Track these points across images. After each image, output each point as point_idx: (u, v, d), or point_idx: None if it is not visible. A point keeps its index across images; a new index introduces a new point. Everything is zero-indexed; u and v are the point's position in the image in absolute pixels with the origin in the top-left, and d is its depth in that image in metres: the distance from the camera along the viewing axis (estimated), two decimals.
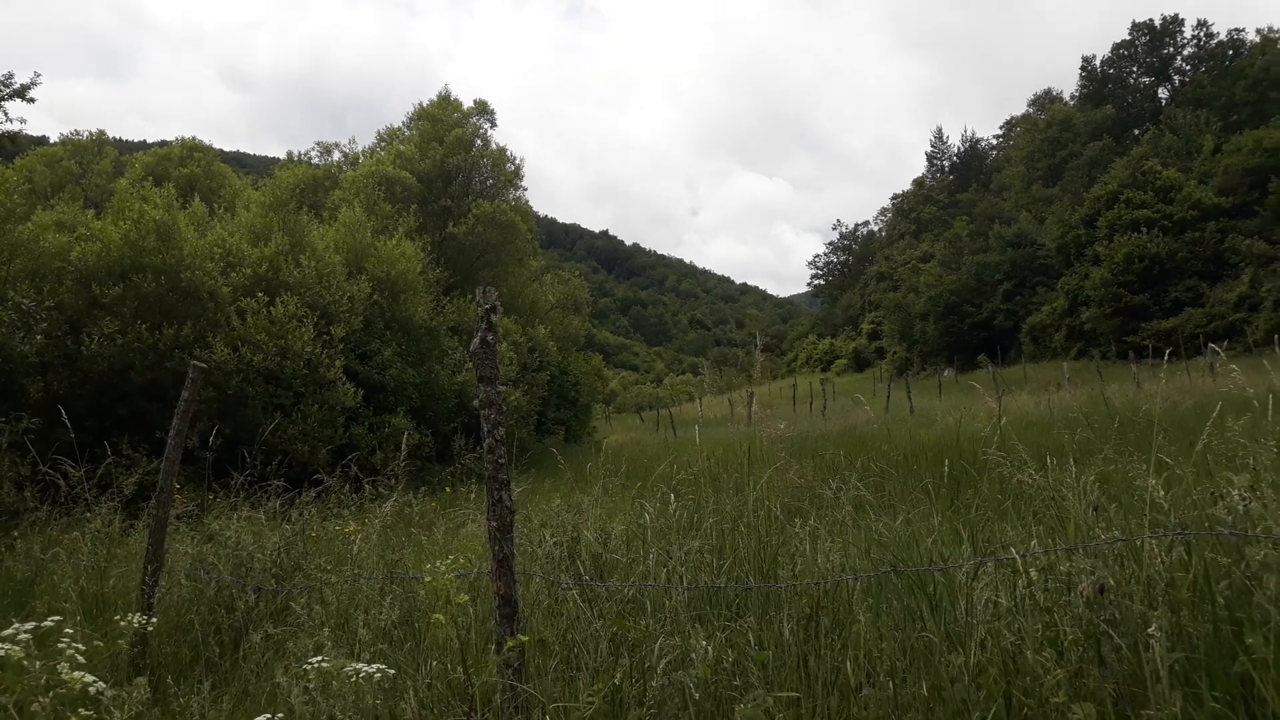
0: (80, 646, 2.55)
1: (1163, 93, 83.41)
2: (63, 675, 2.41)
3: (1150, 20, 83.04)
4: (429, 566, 3.40)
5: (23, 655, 2.37)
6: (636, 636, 3.73)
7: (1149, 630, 2.66)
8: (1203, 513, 3.33)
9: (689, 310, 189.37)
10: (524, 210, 33.52)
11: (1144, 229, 51.62)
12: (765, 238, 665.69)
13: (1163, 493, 3.48)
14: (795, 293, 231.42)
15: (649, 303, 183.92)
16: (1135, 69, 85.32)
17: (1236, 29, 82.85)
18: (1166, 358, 5.26)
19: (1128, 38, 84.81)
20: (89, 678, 2.45)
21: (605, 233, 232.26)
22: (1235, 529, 3.02)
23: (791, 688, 3.32)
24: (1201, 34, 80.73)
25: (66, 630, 2.63)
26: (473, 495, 7.30)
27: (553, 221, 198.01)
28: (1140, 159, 59.40)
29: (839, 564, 4.19)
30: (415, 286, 22.03)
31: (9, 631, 2.47)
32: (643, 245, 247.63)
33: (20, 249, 15.38)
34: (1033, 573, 3.28)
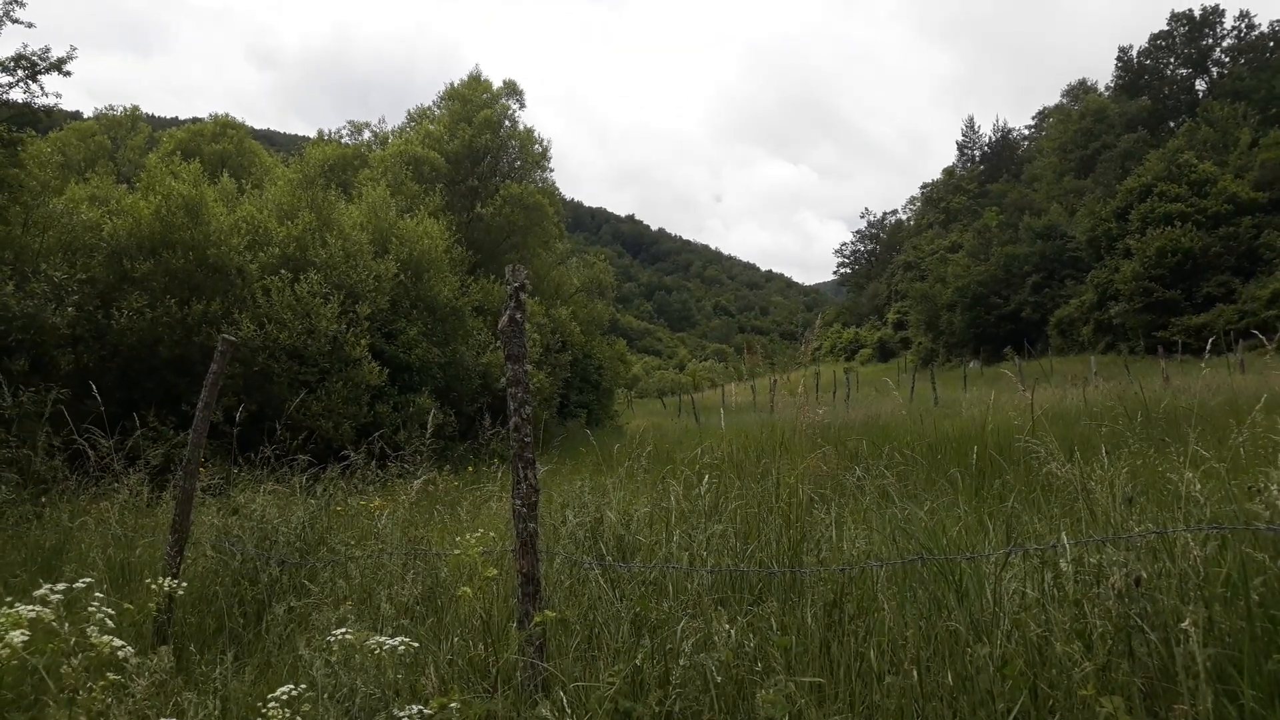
0: (110, 611, 2.57)
1: (1200, 85, 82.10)
2: (92, 639, 2.43)
3: (1190, 11, 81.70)
4: (459, 539, 3.40)
5: (53, 618, 2.39)
6: (659, 618, 3.72)
7: (1182, 625, 2.61)
8: (1239, 507, 3.27)
9: (713, 296, 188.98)
10: (551, 192, 33.46)
11: (1177, 223, 50.93)
12: (788, 224, 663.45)
13: (1198, 486, 3.42)
14: (821, 281, 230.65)
15: (673, 288, 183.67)
16: (1173, 60, 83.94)
17: (1279, 20, 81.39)
18: (1207, 350, 5.17)
19: (1166, 28, 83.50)
20: (117, 642, 2.46)
21: (631, 217, 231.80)
22: (1273, 524, 2.96)
23: (814, 674, 3.29)
24: (1243, 25, 79.38)
25: (97, 595, 2.66)
26: (499, 475, 7.32)
27: (579, 205, 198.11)
28: (1175, 152, 58.49)
29: (864, 551, 4.16)
30: (440, 266, 22.05)
31: (40, 592, 2.49)
32: (668, 230, 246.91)
33: (53, 222, 15.54)
34: (1062, 564, 3.23)
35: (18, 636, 2.28)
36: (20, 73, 13.37)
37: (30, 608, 2.40)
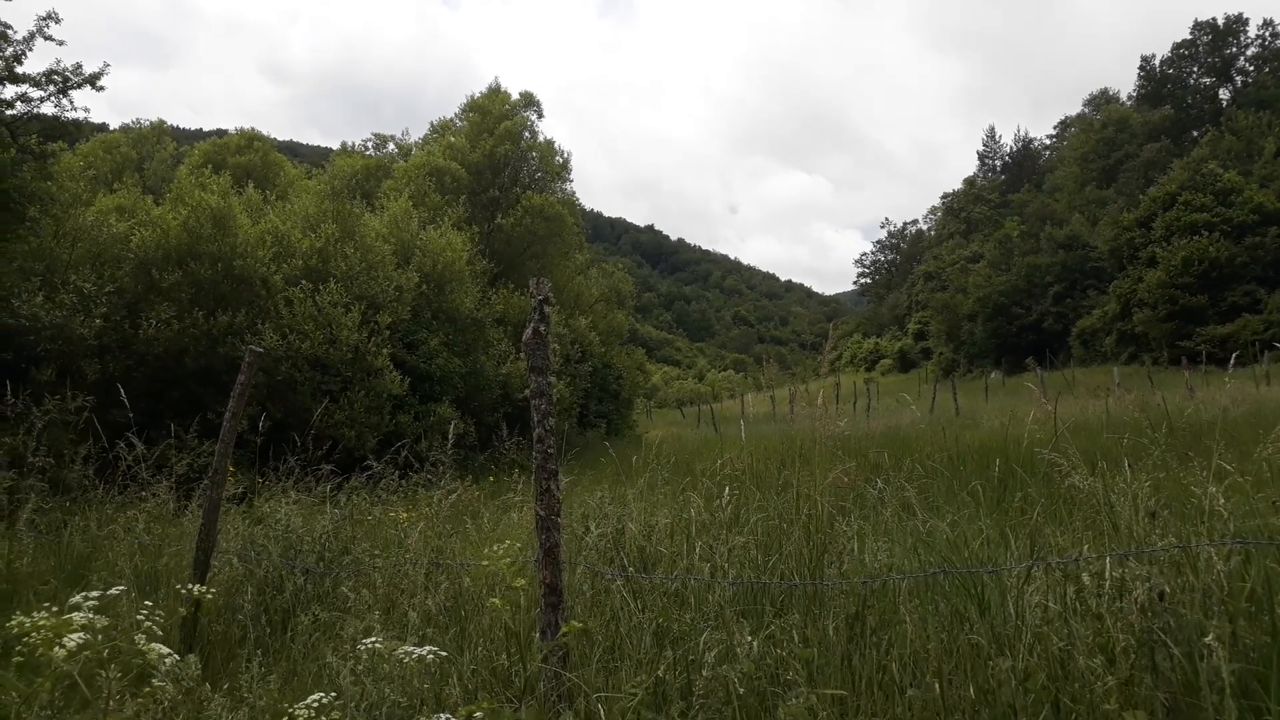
0: (159, 617, 2.62)
1: (1224, 94, 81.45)
2: (139, 646, 2.48)
3: (1213, 19, 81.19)
4: (487, 551, 3.44)
5: (105, 624, 2.44)
6: (681, 630, 3.74)
7: (1206, 639, 2.61)
8: (1263, 522, 3.26)
9: (732, 306, 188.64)
10: (571, 203, 33.62)
11: (1203, 232, 50.46)
12: (802, 235, 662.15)
13: (1222, 500, 3.41)
14: (840, 291, 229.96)
15: (692, 298, 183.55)
16: (1196, 69, 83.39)
17: None
18: (1232, 362, 5.15)
19: (1189, 37, 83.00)
20: (164, 649, 2.52)
21: (650, 227, 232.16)
22: None
23: (836, 686, 3.30)
24: (1266, 34, 78.75)
25: (146, 603, 2.71)
26: (520, 485, 7.35)
27: (598, 215, 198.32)
28: (1199, 161, 58.00)
29: (885, 563, 4.16)
30: (462, 277, 22.19)
31: (76, 599, 2.55)
32: (687, 240, 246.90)
33: (83, 234, 15.75)
34: (1085, 577, 3.23)
35: (73, 640, 2.33)
36: (51, 88, 13.59)
37: (82, 614, 2.46)
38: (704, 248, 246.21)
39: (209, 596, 3.59)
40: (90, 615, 2.45)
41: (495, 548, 3.34)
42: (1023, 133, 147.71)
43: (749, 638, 3.36)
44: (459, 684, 3.67)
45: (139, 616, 2.57)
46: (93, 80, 13.82)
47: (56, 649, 2.31)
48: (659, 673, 3.39)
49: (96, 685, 2.52)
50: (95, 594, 2.72)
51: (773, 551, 4.57)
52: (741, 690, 3.17)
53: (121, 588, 2.88)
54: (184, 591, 3.54)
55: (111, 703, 2.53)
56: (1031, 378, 26.78)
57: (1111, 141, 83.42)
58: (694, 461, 9.14)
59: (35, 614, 2.46)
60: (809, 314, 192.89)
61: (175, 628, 4.70)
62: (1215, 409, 11.04)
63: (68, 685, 2.47)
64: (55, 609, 2.47)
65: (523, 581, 3.52)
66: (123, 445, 7.21)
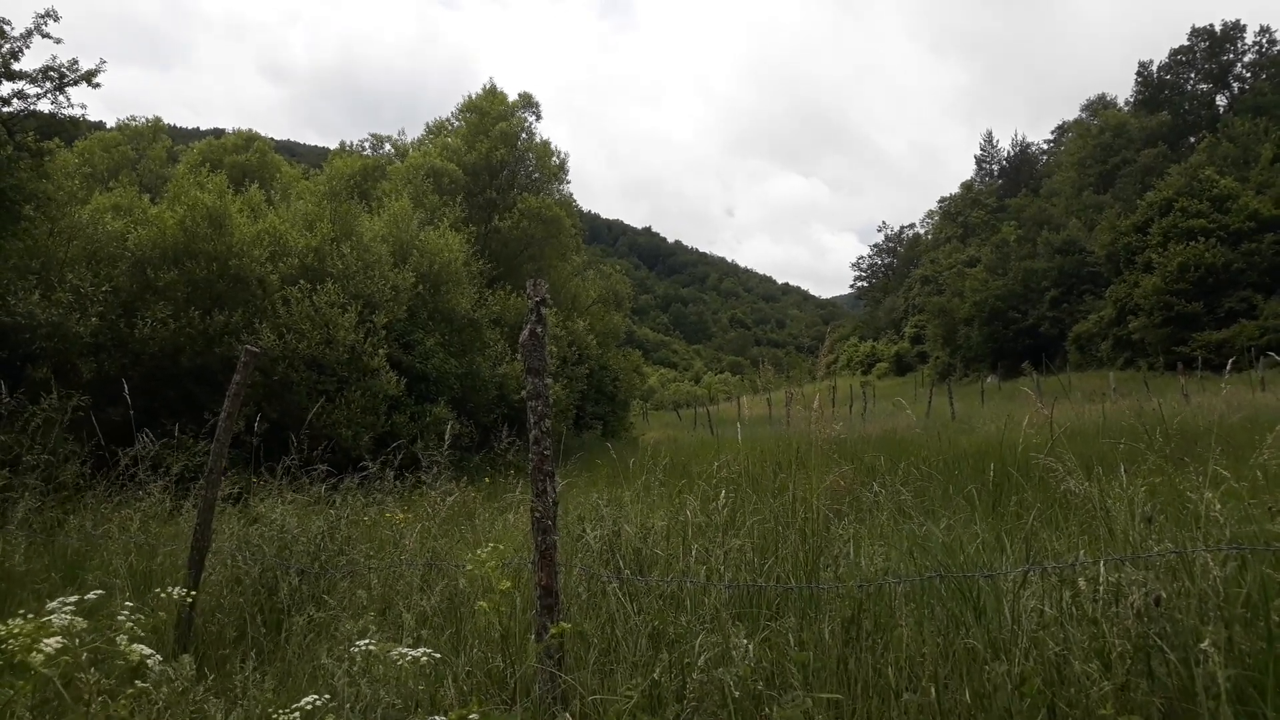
0: (141, 618, 2.61)
1: (1221, 100, 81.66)
2: (121, 647, 2.46)
3: (1210, 26, 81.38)
4: (470, 555, 3.43)
5: (84, 626, 2.43)
6: (677, 632, 3.74)
7: (1202, 645, 2.61)
8: (1259, 528, 3.26)
9: (729, 309, 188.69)
10: (568, 205, 33.54)
11: (1199, 238, 50.55)
12: (800, 237, 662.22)
13: (1218, 506, 3.41)
14: (837, 294, 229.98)
15: (689, 300, 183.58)
16: (1193, 75, 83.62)
17: None
18: (1228, 368, 5.16)
19: (1186, 43, 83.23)
20: (146, 650, 2.50)
21: (648, 229, 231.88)
22: None
23: (831, 690, 3.30)
24: (1264, 40, 78.96)
25: (127, 604, 2.70)
26: (518, 487, 7.34)
27: (596, 217, 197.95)
28: (1196, 167, 58.11)
29: (881, 567, 4.16)
30: (459, 278, 22.15)
31: (53, 605, 2.53)
32: (685, 243, 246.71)
33: (79, 232, 15.71)
34: (1081, 582, 3.23)
35: (51, 644, 2.31)
36: (48, 84, 13.52)
37: (63, 615, 2.44)
38: (701, 250, 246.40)
39: (190, 598, 3.56)
40: (69, 618, 2.43)
41: (479, 552, 3.34)
42: (1020, 137, 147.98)
43: (744, 641, 3.35)
44: (454, 686, 3.66)
45: (120, 617, 2.56)
46: (89, 77, 13.74)
47: (34, 654, 2.29)
48: (654, 675, 3.39)
49: (76, 688, 2.51)
50: (84, 596, 2.70)
51: (769, 554, 4.57)
52: (737, 693, 3.16)
53: (99, 592, 2.86)
54: (163, 595, 3.51)
55: (94, 705, 2.51)
56: (1027, 382, 26.81)
57: (1109, 147, 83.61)
58: (690, 464, 9.13)
59: (14, 619, 2.44)
60: (806, 317, 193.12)
61: (169, 628, 4.69)
62: (1211, 414, 11.06)
63: (58, 688, 2.45)
64: (33, 613, 2.45)
65: (508, 584, 3.51)
66: (141, 441, 7.19)
